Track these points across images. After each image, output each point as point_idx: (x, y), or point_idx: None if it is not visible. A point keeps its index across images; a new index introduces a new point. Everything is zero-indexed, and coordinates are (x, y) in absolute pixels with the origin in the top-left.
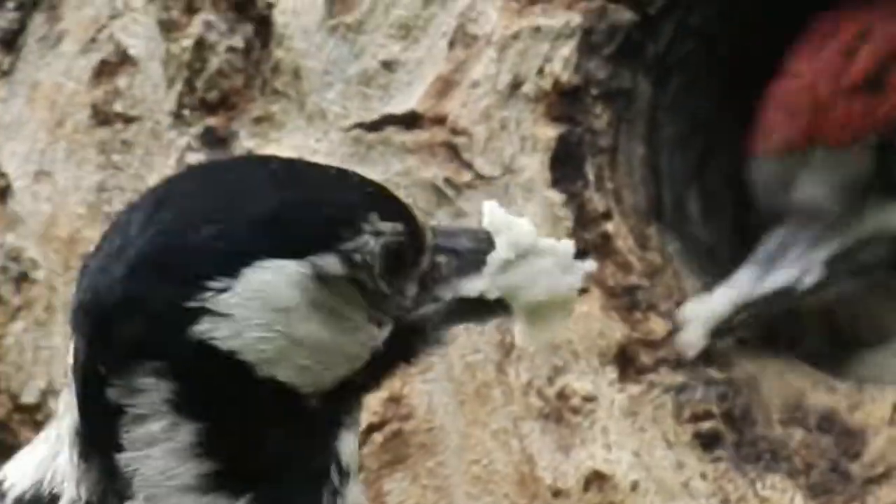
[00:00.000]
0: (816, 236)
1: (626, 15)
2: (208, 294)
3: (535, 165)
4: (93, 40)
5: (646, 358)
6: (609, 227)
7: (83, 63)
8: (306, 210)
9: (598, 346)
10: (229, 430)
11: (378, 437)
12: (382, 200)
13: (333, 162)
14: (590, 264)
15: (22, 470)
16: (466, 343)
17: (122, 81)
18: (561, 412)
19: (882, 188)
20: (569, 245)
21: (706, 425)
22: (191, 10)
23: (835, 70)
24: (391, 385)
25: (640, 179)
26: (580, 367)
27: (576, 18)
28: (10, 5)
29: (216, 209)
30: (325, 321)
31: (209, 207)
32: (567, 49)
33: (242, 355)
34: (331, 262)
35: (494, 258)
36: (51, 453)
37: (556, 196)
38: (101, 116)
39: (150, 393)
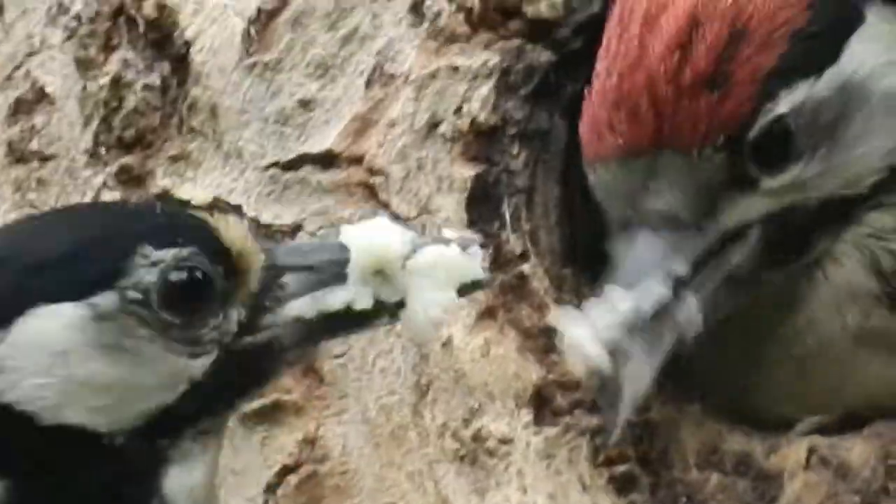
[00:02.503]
0: (673, 243)
1: (543, 55)
2: None
3: (451, 205)
4: (9, 77)
5: (562, 400)
6: (525, 268)
7: (0, 100)
8: (81, 250)
9: (514, 387)
10: (36, 481)
11: (293, 479)
12: (164, 228)
13: (250, 201)
14: (475, 250)
15: None
16: (382, 385)
17: (38, 119)
18: (476, 454)
19: (733, 183)
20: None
21: (622, 468)
22: (108, 47)
23: (671, 66)
24: (306, 427)
25: (556, 220)
26: (496, 408)
27: (494, 58)
28: None
29: None
30: (111, 358)
31: None
32: (485, 89)
33: (23, 405)
34: (106, 300)
35: (355, 267)
36: None
37: None
38: (17, 154)
39: None
